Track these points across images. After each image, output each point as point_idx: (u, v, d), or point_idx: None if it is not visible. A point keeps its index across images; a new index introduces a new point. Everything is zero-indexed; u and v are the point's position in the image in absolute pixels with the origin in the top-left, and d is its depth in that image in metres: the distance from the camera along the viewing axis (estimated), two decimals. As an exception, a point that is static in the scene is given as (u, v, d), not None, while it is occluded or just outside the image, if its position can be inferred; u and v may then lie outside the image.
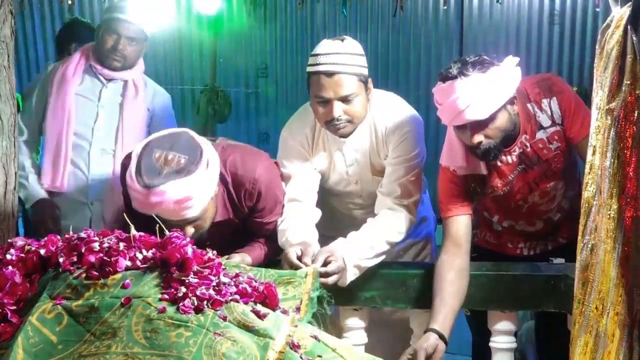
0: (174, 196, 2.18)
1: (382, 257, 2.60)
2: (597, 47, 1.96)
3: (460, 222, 2.59)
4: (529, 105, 2.57)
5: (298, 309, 2.04)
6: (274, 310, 1.83)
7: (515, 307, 2.63)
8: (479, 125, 2.41)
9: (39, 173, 3.30)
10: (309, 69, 2.63)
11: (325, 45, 2.61)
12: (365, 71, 2.64)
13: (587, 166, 1.94)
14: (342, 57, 2.57)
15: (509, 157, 2.60)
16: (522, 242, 2.92)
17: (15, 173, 2.63)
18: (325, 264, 2.36)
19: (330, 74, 2.55)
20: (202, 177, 2.26)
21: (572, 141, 2.57)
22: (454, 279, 2.49)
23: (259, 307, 1.80)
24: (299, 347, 1.74)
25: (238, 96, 6.27)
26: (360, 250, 2.51)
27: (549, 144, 2.59)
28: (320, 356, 1.77)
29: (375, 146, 2.76)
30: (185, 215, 2.27)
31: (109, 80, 3.35)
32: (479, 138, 2.43)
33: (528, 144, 2.58)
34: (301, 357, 1.71)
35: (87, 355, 1.64)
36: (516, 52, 5.81)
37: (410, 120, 2.74)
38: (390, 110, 2.76)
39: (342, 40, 2.62)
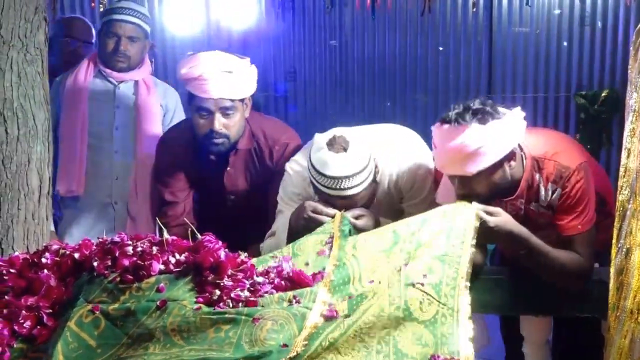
0: (216, 64, 2.60)
1: None
2: (631, 48, 1.93)
3: None
4: (537, 175, 2.44)
5: (331, 241, 2.10)
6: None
7: (548, 313, 2.60)
8: (467, 179, 2.29)
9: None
10: (317, 184, 2.38)
11: (330, 165, 2.33)
12: (373, 173, 2.43)
13: (622, 169, 1.92)
14: (351, 180, 2.33)
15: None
16: None
17: (50, 177, 2.66)
18: (356, 218, 2.34)
19: (343, 197, 2.36)
20: (244, 63, 2.66)
21: (560, 231, 2.44)
22: None
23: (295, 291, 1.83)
24: (337, 313, 1.78)
25: (267, 100, 6.28)
26: None
27: (539, 217, 2.48)
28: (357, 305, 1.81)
29: (387, 192, 2.62)
30: (221, 90, 2.60)
31: (120, 81, 3.38)
32: (464, 191, 2.32)
33: (522, 208, 2.48)
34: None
35: (126, 358, 1.66)
36: (546, 54, 5.78)
37: (419, 160, 2.60)
38: (398, 157, 2.60)
39: (345, 149, 2.33)
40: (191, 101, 2.71)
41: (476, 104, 2.27)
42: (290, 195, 2.65)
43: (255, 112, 2.89)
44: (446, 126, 2.26)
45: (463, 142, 2.22)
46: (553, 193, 2.43)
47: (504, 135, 2.26)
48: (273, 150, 2.81)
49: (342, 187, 2.33)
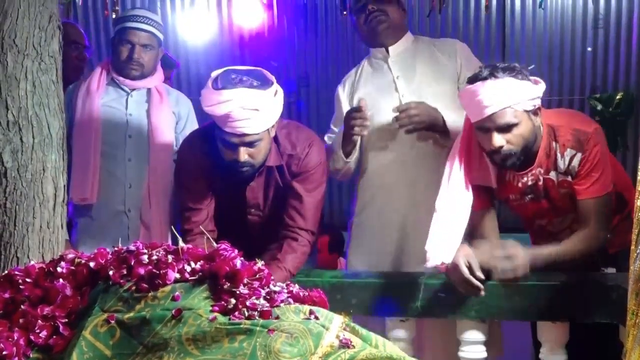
0: (242, 102, 2.48)
1: None
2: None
3: (481, 215, 2.71)
4: (553, 143, 2.55)
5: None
6: None
7: (566, 318, 2.58)
8: (502, 129, 2.47)
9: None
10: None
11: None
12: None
13: (640, 174, 1.89)
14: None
15: (519, 182, 2.65)
16: None
17: (64, 186, 2.67)
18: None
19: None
20: (269, 96, 2.55)
21: (576, 195, 2.56)
22: None
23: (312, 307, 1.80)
24: (351, 343, 1.74)
25: (280, 106, 6.30)
26: None
27: (558, 187, 2.59)
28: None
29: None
30: (246, 127, 2.52)
31: (133, 89, 3.38)
32: (500, 141, 2.48)
33: (541, 178, 2.60)
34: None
35: None
36: (560, 57, 5.77)
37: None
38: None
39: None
40: (216, 127, 2.64)
41: (503, 64, 2.50)
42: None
43: (281, 121, 2.82)
44: (480, 83, 2.47)
45: (498, 94, 2.43)
46: (572, 159, 2.53)
47: (534, 89, 2.51)
48: (300, 160, 2.78)
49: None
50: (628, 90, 5.59)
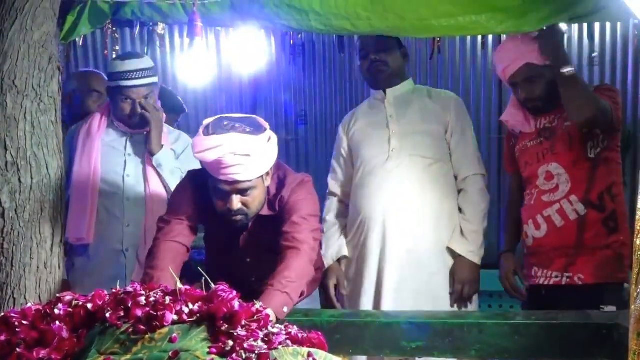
0: (233, 148, 2.41)
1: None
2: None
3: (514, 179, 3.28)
4: None
5: None
6: None
7: (565, 357, 2.56)
8: (527, 81, 3.00)
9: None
10: None
11: None
12: None
13: (639, 213, 1.89)
14: None
15: (542, 124, 3.04)
16: (538, 268, 3.02)
17: (63, 226, 2.67)
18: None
19: None
20: (261, 142, 2.49)
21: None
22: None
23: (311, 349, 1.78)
24: None
25: (278, 143, 6.31)
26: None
27: (564, 121, 2.95)
28: None
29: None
30: (238, 174, 2.45)
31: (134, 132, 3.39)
32: (527, 95, 3.00)
33: (557, 120, 3.00)
34: None
35: None
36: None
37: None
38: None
39: None
40: (209, 176, 2.57)
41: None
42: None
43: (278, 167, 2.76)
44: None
45: (515, 54, 3.02)
46: None
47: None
48: (285, 197, 2.68)
49: None
50: (624, 126, 5.56)
